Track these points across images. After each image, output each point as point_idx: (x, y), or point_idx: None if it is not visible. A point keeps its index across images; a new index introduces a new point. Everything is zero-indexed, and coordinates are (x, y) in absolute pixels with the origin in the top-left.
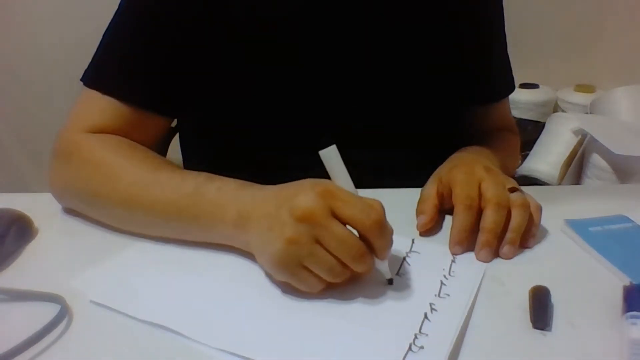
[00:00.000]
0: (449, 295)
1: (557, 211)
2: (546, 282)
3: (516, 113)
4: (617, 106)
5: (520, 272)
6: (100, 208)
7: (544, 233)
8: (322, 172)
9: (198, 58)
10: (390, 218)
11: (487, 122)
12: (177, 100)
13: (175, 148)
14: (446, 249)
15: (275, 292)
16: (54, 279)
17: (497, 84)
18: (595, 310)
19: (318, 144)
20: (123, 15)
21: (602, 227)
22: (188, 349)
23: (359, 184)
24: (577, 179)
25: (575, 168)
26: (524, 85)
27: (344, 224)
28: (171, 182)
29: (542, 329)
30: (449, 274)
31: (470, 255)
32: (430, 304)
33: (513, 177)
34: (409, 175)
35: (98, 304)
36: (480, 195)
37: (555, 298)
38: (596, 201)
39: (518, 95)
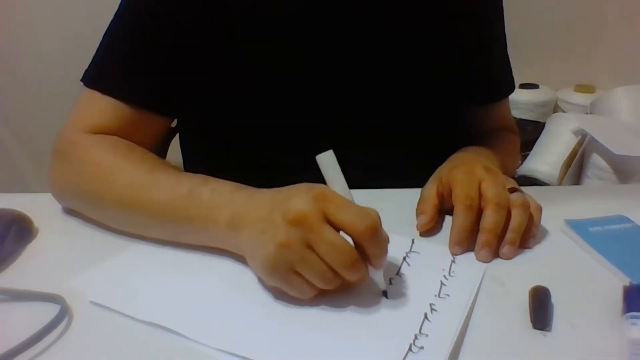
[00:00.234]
0: (449, 295)
1: (557, 211)
2: (546, 282)
3: (516, 113)
4: (617, 106)
5: (520, 272)
6: (98, 209)
7: (544, 233)
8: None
9: (198, 58)
10: (390, 218)
11: (487, 122)
12: (177, 100)
13: (175, 148)
14: (446, 249)
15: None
16: (54, 279)
17: (497, 84)
18: (595, 310)
19: (318, 144)
20: (123, 16)
21: (602, 227)
22: (188, 349)
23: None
24: (577, 179)
25: (575, 168)
26: (524, 85)
27: (338, 230)
28: (166, 183)
29: (542, 329)
30: (449, 274)
31: (470, 256)
32: (430, 304)
33: (513, 177)
34: (409, 175)
35: (98, 304)
36: (480, 195)
37: (555, 298)
38: (596, 201)
39: (518, 95)
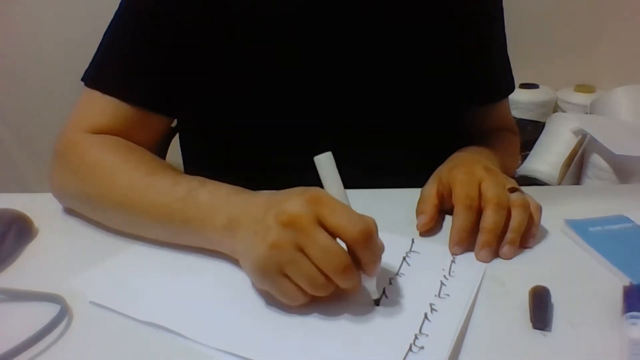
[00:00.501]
0: (449, 295)
1: (557, 211)
2: (546, 282)
3: (516, 113)
4: (617, 106)
5: (520, 272)
6: (97, 209)
7: (544, 233)
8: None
9: (198, 58)
10: (390, 218)
11: (487, 122)
12: (177, 100)
13: (175, 148)
14: (446, 249)
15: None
16: (54, 279)
17: (497, 84)
18: (595, 310)
19: (318, 144)
20: (123, 15)
21: (602, 227)
22: (188, 349)
23: (359, 184)
24: (577, 179)
25: (575, 168)
26: (524, 85)
27: (331, 233)
28: (164, 185)
29: (542, 329)
30: (449, 274)
31: (470, 255)
32: (430, 304)
33: (513, 177)
34: (409, 175)
35: (98, 305)
36: (480, 195)
37: (555, 298)
38: (596, 201)
39: (518, 95)
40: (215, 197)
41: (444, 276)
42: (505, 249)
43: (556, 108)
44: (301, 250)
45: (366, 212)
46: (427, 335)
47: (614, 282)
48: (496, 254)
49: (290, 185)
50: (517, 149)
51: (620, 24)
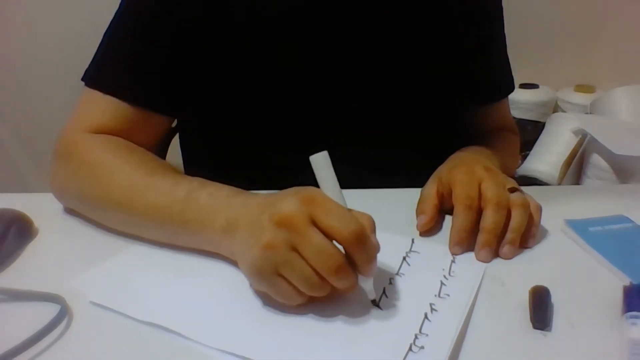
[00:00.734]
0: (449, 295)
1: (557, 211)
2: (546, 282)
3: (516, 113)
4: (617, 106)
5: (520, 272)
6: (97, 209)
7: (544, 233)
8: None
9: (198, 58)
10: (390, 218)
11: (487, 122)
12: (178, 100)
13: (175, 148)
14: (446, 249)
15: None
16: (54, 279)
17: (496, 83)
18: (595, 310)
19: (318, 144)
20: (123, 15)
21: (602, 227)
22: (188, 349)
23: (359, 184)
24: (577, 179)
25: (575, 168)
26: (524, 85)
27: (325, 234)
28: (164, 186)
29: (542, 329)
30: (449, 274)
31: (470, 255)
32: (430, 304)
33: (513, 177)
34: (409, 175)
35: (98, 305)
36: (480, 195)
37: (555, 298)
38: (596, 201)
39: (518, 95)
40: (215, 199)
41: (444, 276)
42: (505, 249)
43: (556, 108)
44: (295, 250)
45: (366, 212)
46: (427, 335)
47: (614, 282)
48: (496, 254)
49: (290, 185)
50: (517, 149)
51: (620, 24)
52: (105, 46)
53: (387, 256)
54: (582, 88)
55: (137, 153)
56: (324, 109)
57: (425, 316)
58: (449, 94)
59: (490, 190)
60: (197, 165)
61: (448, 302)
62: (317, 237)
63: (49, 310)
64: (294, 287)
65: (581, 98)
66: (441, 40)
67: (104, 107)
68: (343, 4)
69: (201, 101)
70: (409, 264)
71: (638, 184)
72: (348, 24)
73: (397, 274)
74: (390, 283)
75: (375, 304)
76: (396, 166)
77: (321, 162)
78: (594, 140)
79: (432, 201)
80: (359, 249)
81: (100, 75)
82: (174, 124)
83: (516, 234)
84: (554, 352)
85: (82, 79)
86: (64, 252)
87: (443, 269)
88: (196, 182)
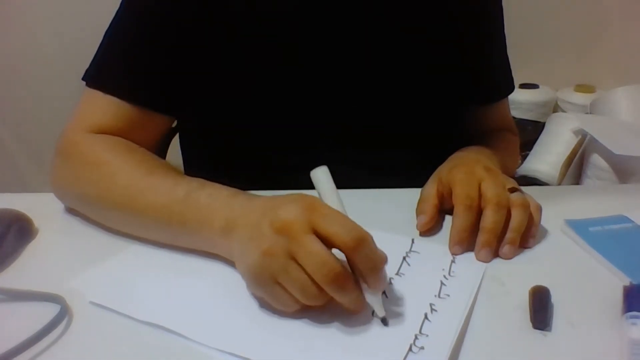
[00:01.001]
0: (449, 295)
1: (557, 211)
2: (546, 282)
3: (516, 113)
4: (617, 106)
5: (520, 272)
6: (97, 209)
7: (544, 233)
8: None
9: (198, 58)
10: (390, 218)
11: (487, 122)
12: (178, 99)
13: (175, 148)
14: (446, 249)
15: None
16: (54, 279)
17: (496, 84)
18: (595, 310)
19: (318, 144)
20: (124, 15)
21: (602, 227)
22: (188, 349)
23: (359, 184)
24: (577, 179)
25: (575, 168)
26: (524, 85)
27: (326, 242)
28: (164, 186)
29: (542, 329)
30: (449, 274)
31: (470, 255)
32: (430, 305)
33: (513, 177)
34: (409, 175)
35: (98, 305)
36: (480, 195)
37: (555, 298)
38: (596, 201)
39: (518, 95)
40: (214, 200)
41: (444, 276)
42: (505, 249)
43: (556, 108)
44: (294, 258)
45: (366, 212)
46: (427, 335)
47: (614, 282)
48: (496, 254)
49: (290, 185)
50: (517, 149)
51: (620, 24)
52: (105, 46)
53: (387, 256)
54: (582, 88)
55: (138, 153)
56: (324, 109)
57: (425, 316)
58: (449, 94)
59: (490, 190)
60: (197, 165)
61: (448, 302)
62: (315, 245)
63: (49, 310)
64: (291, 295)
65: (581, 98)
66: (441, 40)
67: (105, 106)
68: (343, 4)
69: (201, 101)
70: (409, 264)
71: (638, 184)
72: (348, 24)
73: (397, 274)
74: (390, 283)
75: (385, 323)
76: (396, 166)
77: (322, 177)
78: (594, 140)
79: (432, 201)
80: (361, 254)
81: (101, 75)
82: (174, 124)
83: (516, 234)
84: (554, 352)
85: (83, 79)
86: (64, 252)
87: (443, 269)
88: (196, 182)
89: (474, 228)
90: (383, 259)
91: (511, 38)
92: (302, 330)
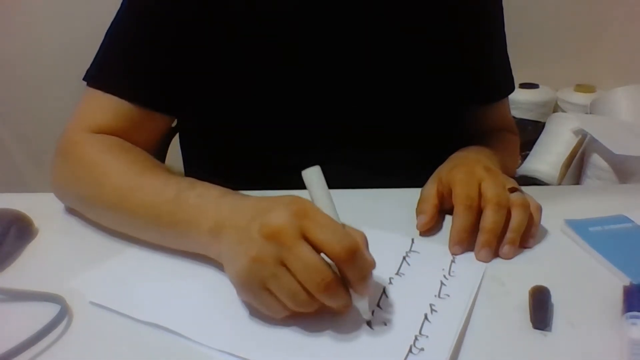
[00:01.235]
0: (449, 295)
1: (557, 211)
2: (546, 282)
3: (516, 113)
4: (617, 106)
5: (520, 272)
6: (92, 209)
7: (544, 233)
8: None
9: (198, 58)
10: (390, 218)
11: (487, 122)
12: (178, 99)
13: (175, 148)
14: (446, 249)
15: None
16: (54, 279)
17: (497, 83)
18: (595, 310)
19: (318, 144)
20: (124, 15)
21: (602, 227)
22: (188, 349)
23: (359, 184)
24: (577, 179)
25: (575, 168)
26: (524, 85)
27: (316, 249)
28: (154, 186)
29: (542, 329)
30: (449, 274)
31: (470, 255)
32: (430, 305)
33: (513, 177)
34: (409, 175)
35: (98, 305)
36: (480, 195)
37: (555, 298)
38: (596, 201)
39: (518, 95)
40: (204, 200)
41: (444, 276)
42: (505, 248)
43: (556, 108)
44: (284, 264)
45: (366, 212)
46: (427, 336)
47: (614, 282)
48: (496, 254)
49: (290, 185)
50: (517, 149)
51: (620, 24)
52: (106, 46)
53: (387, 256)
54: (582, 88)
55: (132, 153)
56: (324, 109)
57: (425, 317)
58: (449, 94)
59: (490, 190)
60: (197, 165)
61: (448, 302)
62: (306, 252)
63: (49, 310)
64: (280, 301)
65: (581, 98)
66: (441, 40)
67: (105, 106)
68: (343, 4)
69: (201, 101)
70: (408, 264)
71: (638, 184)
72: (348, 23)
73: (397, 273)
74: (390, 283)
75: (370, 325)
76: (396, 166)
77: (314, 177)
78: (594, 140)
79: (432, 201)
80: (351, 265)
81: (102, 74)
82: (174, 124)
83: (516, 234)
84: (554, 352)
85: (84, 79)
86: (64, 252)
87: (443, 269)
88: (186, 182)
89: (474, 228)
90: (372, 266)
91: (511, 38)
92: (302, 330)
